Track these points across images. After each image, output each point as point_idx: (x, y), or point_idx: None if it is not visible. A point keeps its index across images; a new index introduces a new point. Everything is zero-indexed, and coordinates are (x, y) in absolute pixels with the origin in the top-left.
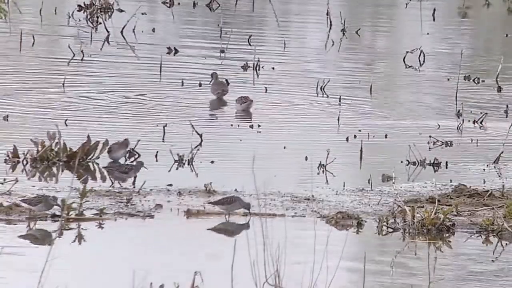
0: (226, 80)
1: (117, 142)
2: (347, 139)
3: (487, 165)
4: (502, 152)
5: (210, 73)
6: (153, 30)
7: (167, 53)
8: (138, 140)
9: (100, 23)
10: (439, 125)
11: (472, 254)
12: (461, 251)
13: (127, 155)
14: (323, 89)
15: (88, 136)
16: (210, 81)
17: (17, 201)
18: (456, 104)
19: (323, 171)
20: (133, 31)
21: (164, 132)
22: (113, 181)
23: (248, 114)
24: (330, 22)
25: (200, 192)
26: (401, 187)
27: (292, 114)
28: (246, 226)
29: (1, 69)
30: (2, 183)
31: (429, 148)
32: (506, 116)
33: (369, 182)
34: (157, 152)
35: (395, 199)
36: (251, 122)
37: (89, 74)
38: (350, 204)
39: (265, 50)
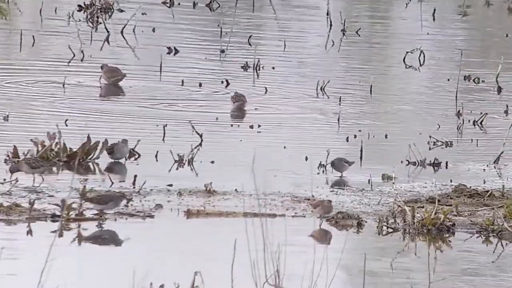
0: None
1: (116, 143)
2: (347, 139)
3: (487, 165)
4: (502, 152)
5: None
6: (153, 30)
7: (167, 53)
8: (138, 140)
9: (100, 23)
10: (439, 125)
11: (472, 254)
12: (461, 251)
13: (127, 155)
14: (323, 89)
15: (88, 136)
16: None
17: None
18: (456, 104)
19: (323, 171)
20: (133, 31)
21: (164, 132)
22: (113, 181)
23: (243, 113)
24: (330, 22)
25: (200, 192)
26: (401, 187)
27: (292, 114)
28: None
29: (1, 68)
30: (2, 183)
31: (429, 148)
32: (506, 116)
33: (369, 182)
34: (157, 152)
35: (395, 199)
36: (251, 122)
37: (89, 74)
38: (350, 204)
39: (265, 50)
